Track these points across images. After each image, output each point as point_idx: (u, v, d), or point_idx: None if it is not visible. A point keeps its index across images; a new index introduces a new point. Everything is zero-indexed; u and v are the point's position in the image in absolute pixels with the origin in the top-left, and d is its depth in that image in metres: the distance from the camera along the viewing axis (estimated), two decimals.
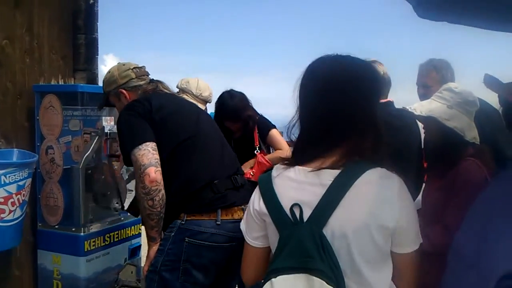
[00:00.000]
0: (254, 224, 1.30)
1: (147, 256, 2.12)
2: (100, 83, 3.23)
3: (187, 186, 2.06)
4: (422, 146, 2.59)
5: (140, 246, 3.08)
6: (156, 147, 2.03)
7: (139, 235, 3.13)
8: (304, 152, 1.22)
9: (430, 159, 2.33)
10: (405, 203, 1.19)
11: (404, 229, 1.19)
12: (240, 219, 2.09)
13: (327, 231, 1.13)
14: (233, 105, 3.11)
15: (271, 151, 3.41)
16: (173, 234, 2.05)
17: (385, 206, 1.15)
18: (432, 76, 2.89)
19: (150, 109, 2.10)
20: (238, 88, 3.23)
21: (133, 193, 3.11)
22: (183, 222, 2.03)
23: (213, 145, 2.21)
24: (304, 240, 1.11)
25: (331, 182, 1.15)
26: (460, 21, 1.97)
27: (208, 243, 2.02)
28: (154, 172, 1.97)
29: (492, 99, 2.22)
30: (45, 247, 2.78)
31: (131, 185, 3.06)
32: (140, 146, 2.00)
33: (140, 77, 2.29)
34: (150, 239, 2.10)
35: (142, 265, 3.00)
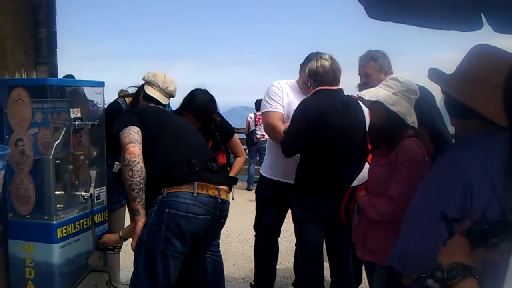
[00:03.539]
0: None
1: (134, 233, 2.34)
2: (60, 76, 3.32)
3: (165, 161, 2.38)
4: (367, 130, 2.92)
5: (107, 232, 3.20)
6: (139, 131, 2.41)
7: (105, 221, 3.25)
8: None
9: (374, 139, 2.63)
10: None
11: None
12: (215, 197, 2.37)
13: None
14: (202, 102, 3.18)
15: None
16: (155, 207, 2.31)
17: None
18: (371, 66, 3.24)
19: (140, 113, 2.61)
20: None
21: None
22: (164, 196, 2.31)
23: (186, 134, 2.59)
24: None
25: None
26: (402, 21, 2.31)
27: (186, 213, 2.29)
28: (132, 147, 2.32)
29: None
30: (16, 236, 2.84)
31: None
32: (124, 130, 2.40)
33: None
34: (134, 213, 2.35)
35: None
